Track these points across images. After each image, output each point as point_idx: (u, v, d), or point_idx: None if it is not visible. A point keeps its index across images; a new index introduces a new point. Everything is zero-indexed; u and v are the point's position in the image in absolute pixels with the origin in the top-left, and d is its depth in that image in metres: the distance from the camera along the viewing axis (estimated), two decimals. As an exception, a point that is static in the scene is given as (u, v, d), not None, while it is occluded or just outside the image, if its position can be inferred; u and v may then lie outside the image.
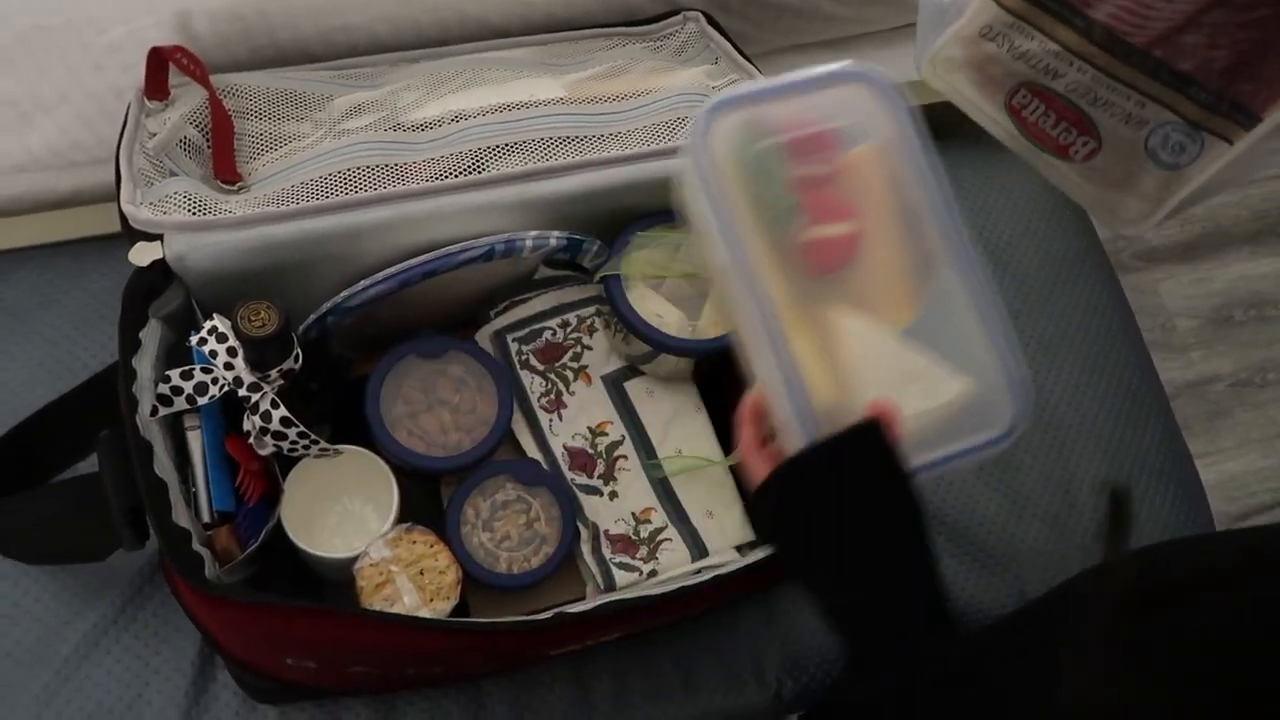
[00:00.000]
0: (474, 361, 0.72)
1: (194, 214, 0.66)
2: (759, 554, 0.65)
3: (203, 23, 0.80)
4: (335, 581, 0.70)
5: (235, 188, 0.70)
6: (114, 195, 0.92)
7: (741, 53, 0.84)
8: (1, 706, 0.73)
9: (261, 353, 0.59)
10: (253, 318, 0.57)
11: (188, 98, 0.75)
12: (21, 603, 0.77)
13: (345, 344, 0.74)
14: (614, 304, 0.70)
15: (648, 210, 0.74)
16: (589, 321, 0.77)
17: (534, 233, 0.69)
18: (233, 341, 0.60)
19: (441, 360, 0.71)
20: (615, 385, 0.75)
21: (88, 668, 0.76)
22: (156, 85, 0.75)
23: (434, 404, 0.70)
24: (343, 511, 0.72)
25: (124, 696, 0.76)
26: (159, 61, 0.74)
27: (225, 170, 0.71)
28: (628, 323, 0.70)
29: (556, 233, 0.70)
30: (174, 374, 0.61)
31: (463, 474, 0.70)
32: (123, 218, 0.66)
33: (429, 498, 0.75)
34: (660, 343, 0.70)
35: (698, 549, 0.71)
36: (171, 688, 0.76)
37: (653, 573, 0.69)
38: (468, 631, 0.57)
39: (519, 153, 0.72)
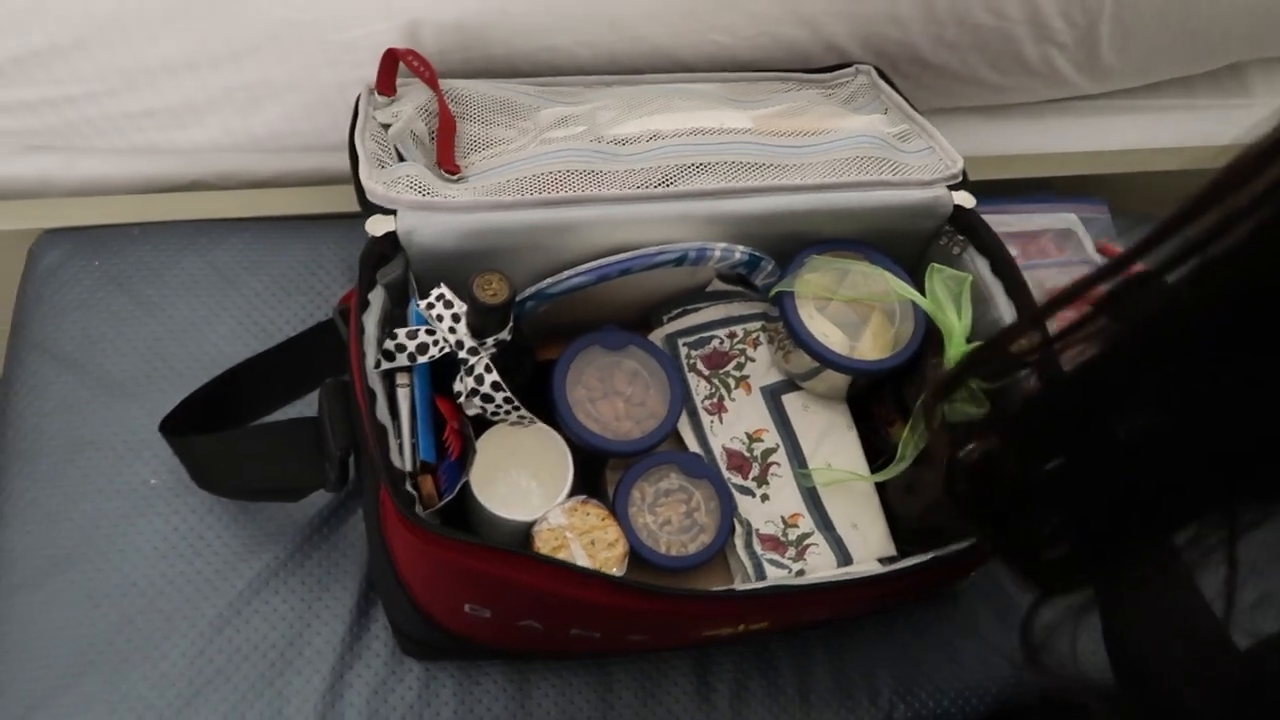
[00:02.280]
0: (650, 358, 0.77)
1: (422, 195, 0.73)
2: (905, 564, 0.69)
3: (429, 31, 0.88)
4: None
5: (455, 178, 0.78)
6: (314, 180, 1.02)
7: (911, 105, 0.90)
8: (183, 625, 0.80)
9: (484, 321, 0.65)
10: (486, 286, 0.63)
11: (412, 95, 0.83)
12: (206, 536, 0.84)
13: (532, 330, 0.80)
14: (786, 319, 0.76)
15: (822, 237, 0.79)
16: (754, 335, 0.82)
17: (723, 245, 0.75)
18: (458, 308, 0.67)
19: (620, 354, 0.77)
20: (773, 397, 0.81)
21: (257, 603, 0.82)
22: (386, 82, 0.83)
23: (610, 393, 0.76)
24: (511, 483, 0.78)
25: (286, 634, 0.82)
26: (392, 61, 0.82)
27: (447, 161, 0.78)
28: (798, 338, 0.75)
29: (741, 248, 0.76)
30: (400, 332, 0.67)
31: (630, 459, 0.75)
32: (360, 192, 0.74)
33: (587, 480, 0.80)
34: (827, 359, 0.75)
35: (843, 556, 0.75)
36: (329, 632, 0.82)
37: (800, 572, 0.74)
38: (644, 593, 0.62)
39: (709, 173, 0.79)
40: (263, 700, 0.79)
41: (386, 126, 0.80)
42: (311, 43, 0.87)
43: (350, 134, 0.79)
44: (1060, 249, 1.05)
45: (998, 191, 1.06)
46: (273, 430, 0.77)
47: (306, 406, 0.88)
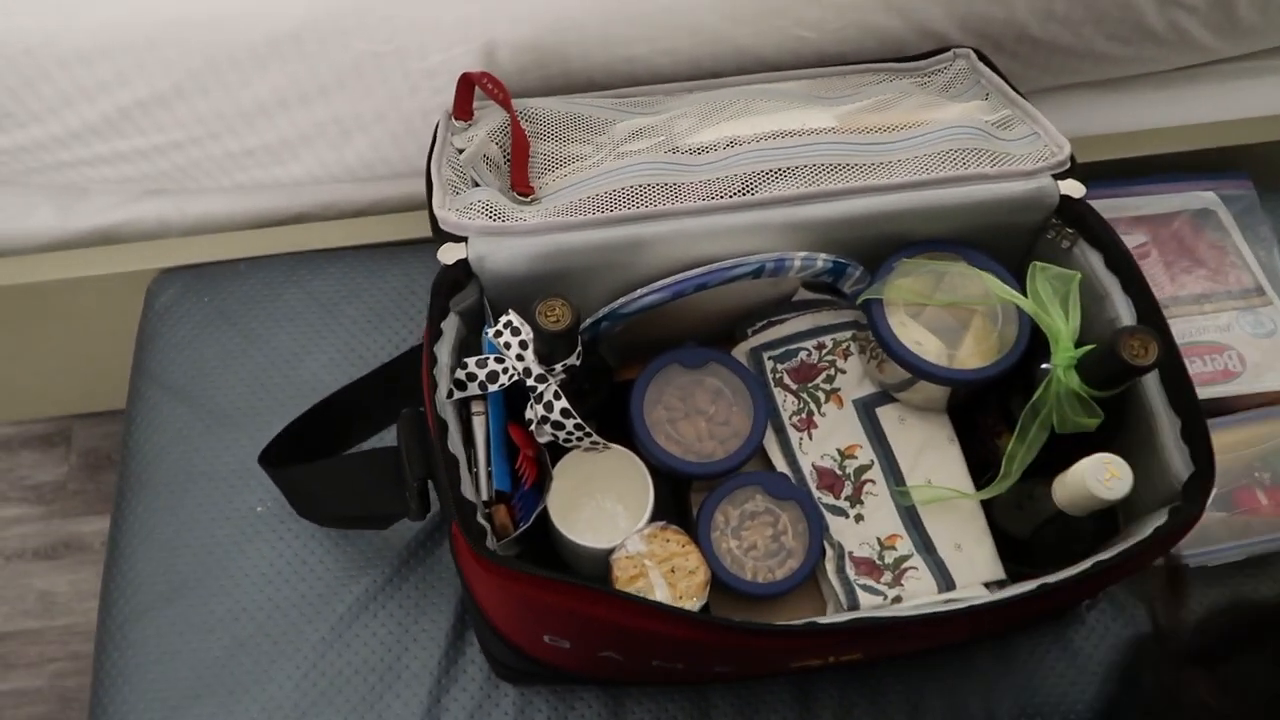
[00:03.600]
0: (732, 375, 0.74)
1: (493, 220, 0.72)
2: (1011, 591, 0.64)
3: (505, 53, 0.88)
4: (584, 573, 0.74)
5: (529, 199, 0.77)
6: (407, 207, 1.03)
7: (1014, 88, 0.84)
8: (288, 649, 0.82)
9: (551, 347, 0.64)
10: (549, 313, 0.62)
11: (488, 119, 0.83)
12: (309, 561, 0.86)
13: (610, 350, 0.78)
14: (874, 328, 0.71)
15: (913, 239, 0.74)
16: (844, 345, 0.78)
17: (803, 254, 0.71)
18: (525, 335, 0.66)
19: (701, 371, 0.75)
20: (867, 410, 0.76)
21: (357, 627, 0.84)
22: (463, 106, 0.83)
23: (691, 412, 0.74)
24: (596, 508, 0.77)
25: (385, 658, 0.83)
26: (468, 86, 0.82)
27: (520, 183, 0.77)
28: (888, 347, 0.71)
29: (824, 255, 0.72)
30: (470, 361, 0.67)
31: (713, 481, 0.73)
32: (433, 221, 0.74)
33: (675, 502, 0.78)
34: (920, 369, 0.70)
35: (945, 581, 0.70)
36: (426, 655, 0.83)
37: (897, 599, 0.69)
38: (720, 628, 0.59)
39: (790, 177, 0.75)
40: (366, 722, 0.81)
41: (462, 151, 0.80)
42: (394, 72, 0.88)
43: (428, 161, 0.79)
44: (1197, 232, 0.96)
45: (1121, 173, 0.97)
46: (358, 460, 0.78)
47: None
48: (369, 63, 0.87)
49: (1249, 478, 0.83)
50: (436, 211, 0.73)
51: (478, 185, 0.78)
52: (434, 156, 0.79)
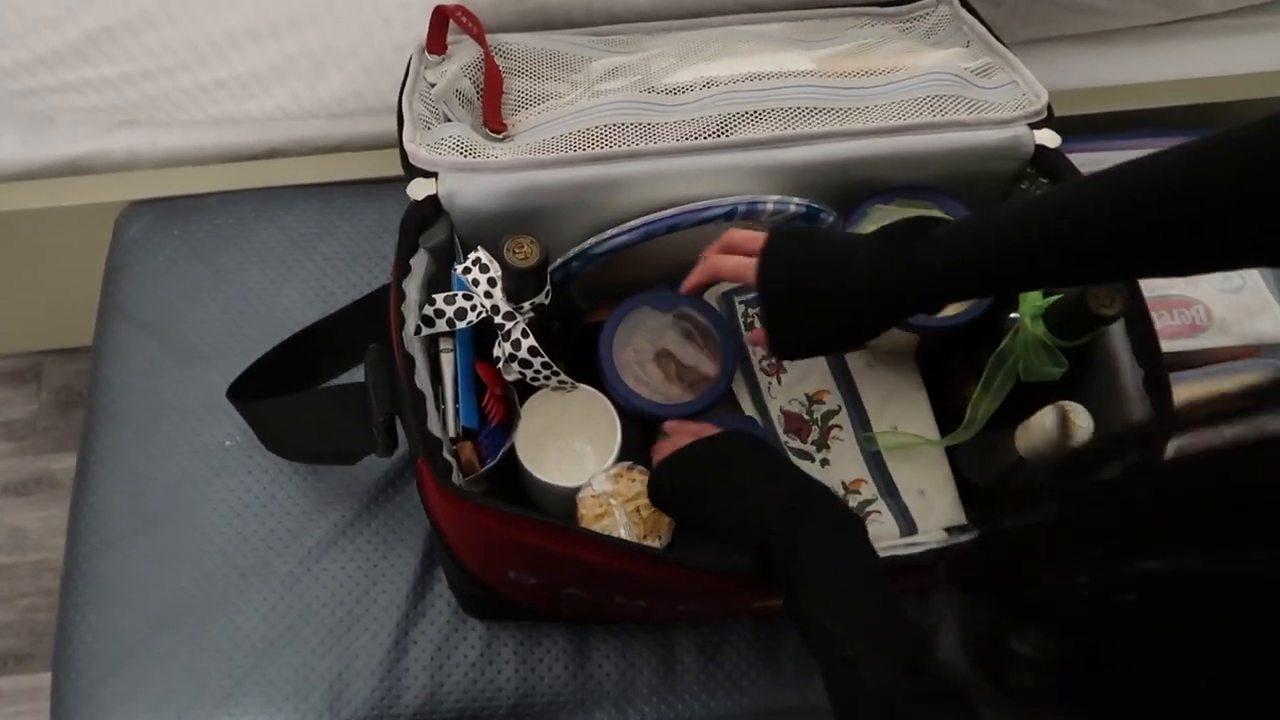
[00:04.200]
0: (702, 318, 0.74)
1: (465, 156, 0.72)
2: (970, 537, 0.65)
3: (481, -14, 0.86)
4: (552, 513, 0.75)
5: (501, 136, 0.76)
6: (382, 144, 1.02)
7: (996, 36, 0.83)
8: (256, 581, 0.83)
9: (519, 284, 0.64)
10: (517, 250, 0.62)
11: (462, 53, 0.81)
12: (277, 495, 0.86)
13: (580, 292, 0.78)
14: (845, 274, 0.71)
15: (888, 184, 0.74)
16: (815, 291, 0.78)
17: (776, 197, 0.71)
18: (493, 272, 0.66)
19: (671, 314, 0.75)
20: (835, 357, 0.76)
21: (325, 561, 0.84)
22: (436, 40, 0.81)
23: (660, 355, 0.74)
24: (564, 448, 0.77)
25: (354, 591, 0.83)
26: (441, 19, 0.81)
27: (493, 120, 0.77)
28: (858, 293, 0.71)
29: (797, 199, 0.72)
30: (438, 298, 0.67)
31: None
32: (403, 155, 0.73)
33: (643, 445, 0.78)
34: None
35: (906, 525, 0.71)
36: (394, 590, 0.83)
37: (858, 542, 0.70)
38: (679, 566, 0.60)
39: (766, 120, 0.74)
40: (332, 655, 0.81)
41: (435, 85, 0.79)
42: (367, 4, 0.87)
43: (400, 95, 0.78)
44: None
45: (1101, 127, 0.97)
46: (326, 395, 0.78)
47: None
48: (343, -6, 0.86)
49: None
50: (407, 146, 0.72)
51: (450, 120, 0.77)
52: (406, 90, 0.78)
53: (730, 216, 0.71)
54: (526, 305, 0.66)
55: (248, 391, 0.82)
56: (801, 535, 0.55)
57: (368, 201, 0.98)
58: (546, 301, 0.66)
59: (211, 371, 0.89)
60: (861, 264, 0.59)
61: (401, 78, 0.92)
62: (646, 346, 0.74)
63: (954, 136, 0.74)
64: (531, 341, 0.65)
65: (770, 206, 0.71)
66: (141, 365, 0.90)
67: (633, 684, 0.82)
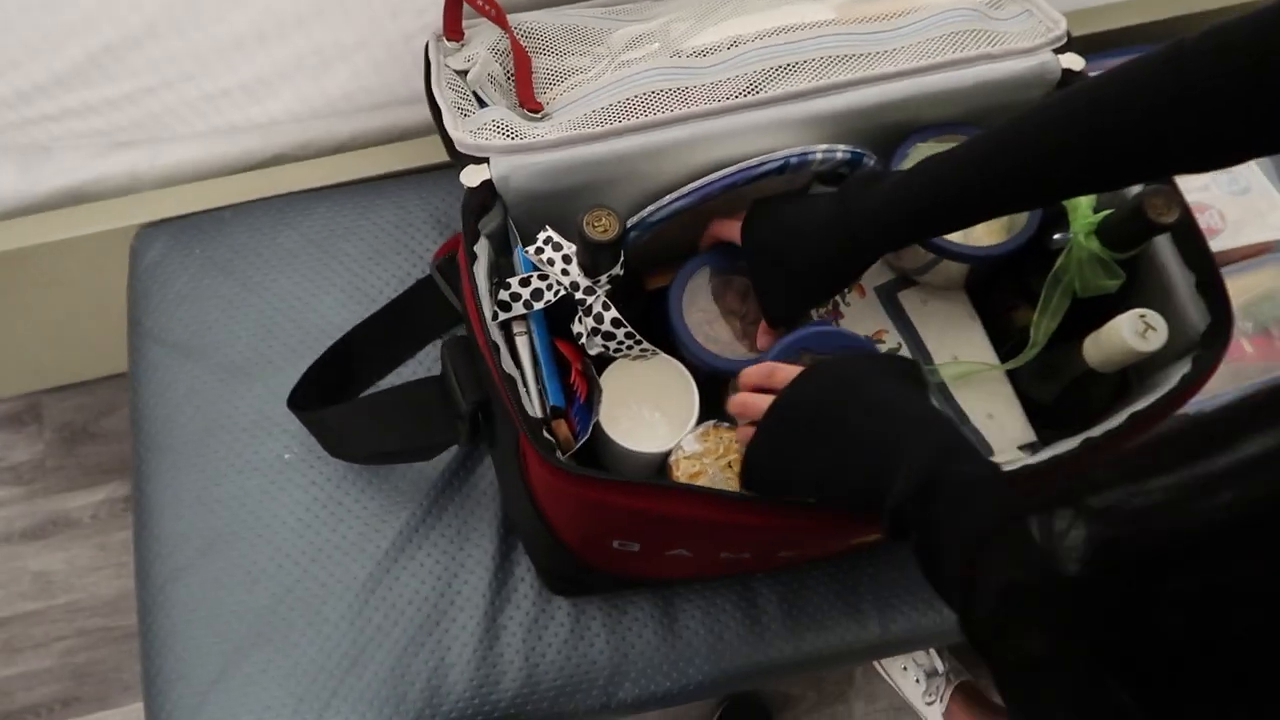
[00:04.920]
0: None
1: (512, 139, 0.72)
2: (1055, 450, 0.67)
3: (487, -33, 0.85)
4: (634, 479, 0.76)
5: (540, 116, 0.76)
6: (388, 138, 1.01)
7: (1000, -32, 0.85)
8: (337, 589, 0.83)
9: (597, 258, 0.64)
10: (595, 223, 0.62)
11: (480, 37, 0.81)
12: (344, 501, 0.86)
13: (636, 260, 0.79)
14: (897, 214, 0.73)
15: (923, 123, 0.76)
16: (862, 235, 0.80)
17: (823, 146, 0.72)
18: (567, 249, 0.66)
19: (731, 273, 0.76)
20: (889, 296, 0.78)
21: (404, 560, 0.84)
22: (453, 26, 0.81)
23: (725, 313, 0.75)
24: (634, 417, 0.78)
25: (436, 586, 0.84)
26: (456, 4, 0.80)
27: (529, 100, 0.77)
28: (912, 232, 0.73)
29: (843, 147, 0.73)
30: (513, 281, 0.67)
31: None
32: (449, 144, 0.73)
33: (706, 408, 0.79)
34: (945, 250, 0.72)
35: (983, 448, 0.73)
36: (476, 579, 0.84)
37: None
38: (796, 510, 0.61)
39: (798, 73, 0.75)
40: (425, 650, 0.82)
41: (461, 73, 0.79)
42: (373, -3, 0.85)
43: (427, 85, 0.78)
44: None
45: (1113, 43, 0.99)
46: (400, 394, 0.78)
47: (418, 364, 0.90)
48: (348, -13, 0.85)
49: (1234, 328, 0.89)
50: (453, 134, 0.72)
51: (484, 105, 0.77)
52: (432, 80, 0.77)
53: (782, 170, 0.72)
54: (603, 279, 0.66)
55: (306, 400, 0.81)
56: (948, 473, 0.50)
57: (382, 198, 0.97)
58: (622, 273, 0.67)
59: (257, 385, 0.89)
60: (816, 224, 0.65)
61: (409, 69, 0.92)
62: (711, 307, 0.75)
63: (982, 70, 0.75)
64: (614, 313, 0.66)
65: (819, 155, 0.72)
66: (183, 388, 0.89)
67: (721, 637, 0.84)
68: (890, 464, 0.51)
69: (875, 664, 1.34)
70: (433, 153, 0.97)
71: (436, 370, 0.88)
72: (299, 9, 0.84)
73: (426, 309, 0.89)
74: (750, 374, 0.64)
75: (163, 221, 0.95)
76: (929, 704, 1.30)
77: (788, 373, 0.60)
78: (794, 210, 0.69)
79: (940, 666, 1.31)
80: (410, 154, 0.98)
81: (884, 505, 0.51)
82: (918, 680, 1.30)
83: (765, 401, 0.59)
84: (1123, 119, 0.54)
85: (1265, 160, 0.94)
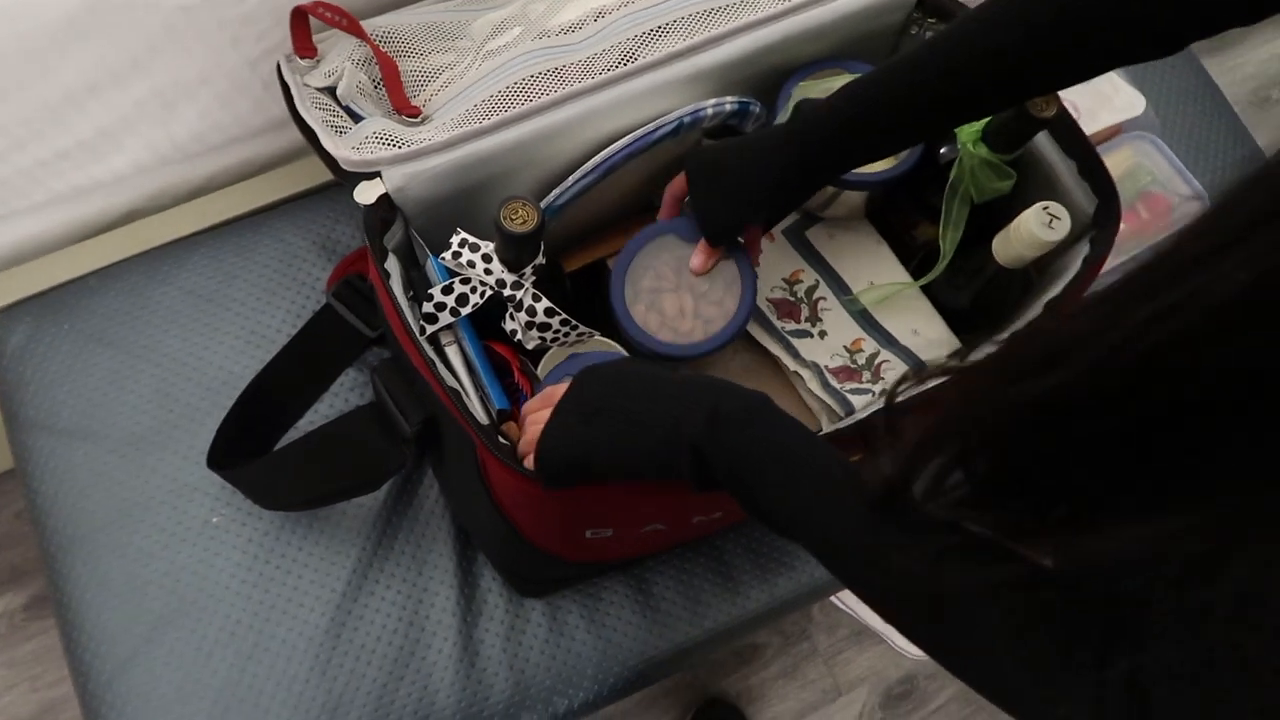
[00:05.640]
0: (727, 254, 0.72)
1: (399, 148, 0.69)
2: (985, 350, 0.70)
3: (324, -24, 0.82)
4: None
5: (419, 120, 0.73)
6: (249, 172, 0.96)
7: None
8: (300, 643, 0.79)
9: (519, 251, 0.63)
10: (513, 216, 0.61)
11: (336, 50, 0.77)
12: (287, 553, 0.82)
13: (548, 248, 0.78)
14: (793, 155, 0.74)
15: (799, 64, 0.77)
16: (759, 183, 0.81)
17: (712, 101, 0.73)
18: (485, 249, 0.64)
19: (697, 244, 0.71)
20: (797, 235, 0.80)
21: (363, 598, 0.81)
22: (303, 42, 0.77)
23: (681, 287, 0.72)
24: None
25: (403, 617, 0.81)
26: (302, 19, 0.76)
27: (404, 106, 0.74)
28: (810, 169, 0.74)
29: (730, 98, 0.74)
30: (435, 291, 0.65)
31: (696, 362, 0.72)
32: (332, 165, 0.69)
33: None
34: (843, 181, 0.74)
35: (915, 363, 0.76)
36: (443, 600, 0.82)
37: (883, 391, 0.74)
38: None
39: (670, 34, 0.75)
40: (405, 683, 0.80)
41: (325, 90, 0.75)
42: (209, 25, 0.80)
43: (291, 109, 0.74)
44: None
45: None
46: (332, 430, 0.75)
47: (334, 397, 0.86)
48: (179, 20, 0.79)
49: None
50: (334, 153, 0.69)
51: (359, 118, 0.73)
52: (296, 102, 0.74)
53: (678, 131, 0.72)
54: (528, 270, 0.65)
55: (227, 458, 0.77)
56: (728, 431, 0.52)
57: (259, 234, 0.92)
58: (544, 261, 0.66)
59: (166, 454, 0.84)
60: (766, 140, 0.65)
61: (260, 99, 0.88)
62: (670, 275, 0.72)
63: (841, 4, 0.77)
64: (546, 303, 0.65)
65: (710, 110, 0.73)
66: (85, 474, 0.83)
67: (698, 599, 0.85)
68: (679, 413, 0.53)
69: (832, 596, 1.38)
70: (302, 179, 0.93)
71: (355, 399, 0.86)
72: (132, 52, 0.79)
73: (331, 339, 0.85)
74: (530, 405, 0.62)
75: (21, 302, 0.88)
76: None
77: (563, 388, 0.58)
78: (740, 138, 0.68)
79: (889, 583, 1.36)
80: (279, 184, 0.93)
81: (682, 453, 0.52)
82: (871, 601, 1.35)
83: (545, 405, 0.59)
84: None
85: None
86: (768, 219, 0.73)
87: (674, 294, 0.71)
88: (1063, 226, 0.66)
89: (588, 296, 0.74)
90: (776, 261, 0.79)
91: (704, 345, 0.70)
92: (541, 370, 0.72)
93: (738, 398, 0.54)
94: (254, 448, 0.79)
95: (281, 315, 0.89)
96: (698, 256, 0.71)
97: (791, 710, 1.35)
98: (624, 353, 0.73)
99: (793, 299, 0.78)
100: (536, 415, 0.59)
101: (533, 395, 0.68)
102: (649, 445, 0.53)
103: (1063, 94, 0.95)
